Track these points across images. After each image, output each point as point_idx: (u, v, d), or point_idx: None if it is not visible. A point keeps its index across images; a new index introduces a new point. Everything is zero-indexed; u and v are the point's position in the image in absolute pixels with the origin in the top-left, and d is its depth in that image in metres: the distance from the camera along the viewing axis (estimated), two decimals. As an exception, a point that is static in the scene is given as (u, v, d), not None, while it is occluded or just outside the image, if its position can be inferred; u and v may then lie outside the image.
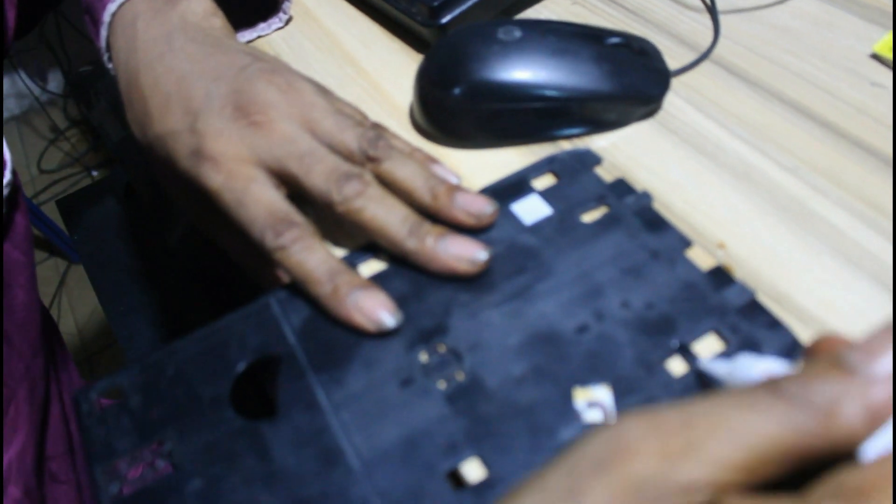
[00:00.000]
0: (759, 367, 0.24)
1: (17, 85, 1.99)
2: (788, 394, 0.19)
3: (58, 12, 1.77)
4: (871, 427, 0.18)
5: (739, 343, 0.28)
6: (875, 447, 0.18)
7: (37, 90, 1.98)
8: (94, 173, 1.90)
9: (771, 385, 0.19)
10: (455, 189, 0.32)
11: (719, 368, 0.26)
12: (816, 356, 0.22)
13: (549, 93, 0.36)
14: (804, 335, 0.29)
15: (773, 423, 0.18)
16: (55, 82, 2.01)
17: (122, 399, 0.30)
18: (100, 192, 0.81)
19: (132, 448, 0.29)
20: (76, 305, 1.62)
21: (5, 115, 2.06)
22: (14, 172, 0.45)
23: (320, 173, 0.32)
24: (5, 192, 0.43)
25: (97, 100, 0.69)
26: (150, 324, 0.69)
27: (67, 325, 1.58)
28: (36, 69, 1.95)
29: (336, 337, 0.30)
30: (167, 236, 0.70)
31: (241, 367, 0.30)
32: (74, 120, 2.02)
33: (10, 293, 0.46)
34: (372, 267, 0.32)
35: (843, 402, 0.18)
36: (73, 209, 0.79)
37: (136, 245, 0.75)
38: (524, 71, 0.36)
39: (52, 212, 1.64)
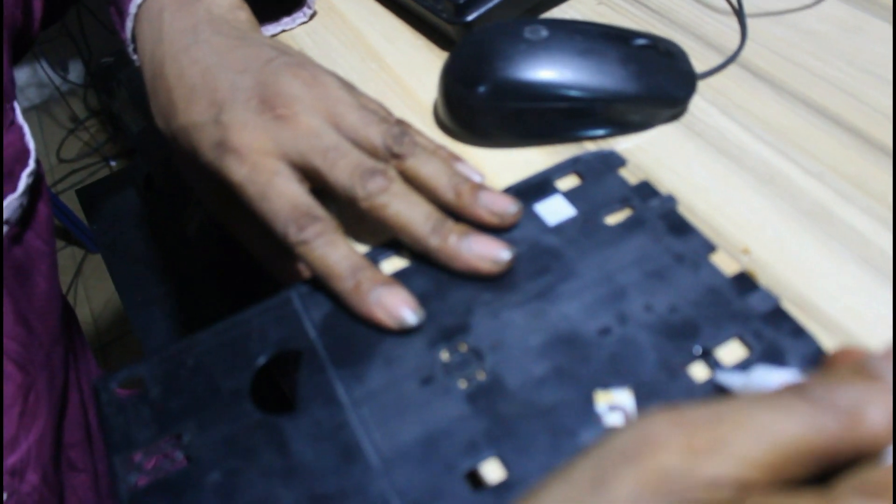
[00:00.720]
0: (776, 378, 0.24)
1: (38, 74, 2.01)
2: (814, 396, 0.19)
3: (79, 3, 1.79)
4: (893, 432, 0.18)
5: (763, 350, 0.28)
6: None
7: (57, 80, 1.99)
8: (113, 163, 1.91)
9: (797, 388, 0.20)
10: (479, 187, 0.32)
11: (735, 380, 0.26)
12: (838, 365, 0.22)
13: (574, 93, 0.36)
14: (828, 343, 0.28)
15: (798, 424, 0.18)
16: (76, 72, 2.02)
17: (142, 390, 0.30)
18: (119, 183, 0.81)
19: (151, 439, 0.29)
20: (92, 295, 1.63)
21: (26, 104, 2.07)
22: (38, 162, 0.45)
23: (344, 168, 0.32)
24: (28, 181, 0.44)
25: (119, 90, 0.70)
26: (167, 315, 0.69)
27: (83, 314, 1.59)
28: (57, 59, 1.96)
29: (357, 333, 0.30)
30: (185, 227, 0.70)
31: (261, 360, 0.30)
32: (94, 110, 2.03)
33: (31, 281, 0.47)
34: (394, 264, 0.32)
35: (868, 406, 0.18)
36: (93, 199, 0.80)
37: (155, 236, 0.76)
38: (550, 70, 0.36)
39: (70, 201, 1.65)
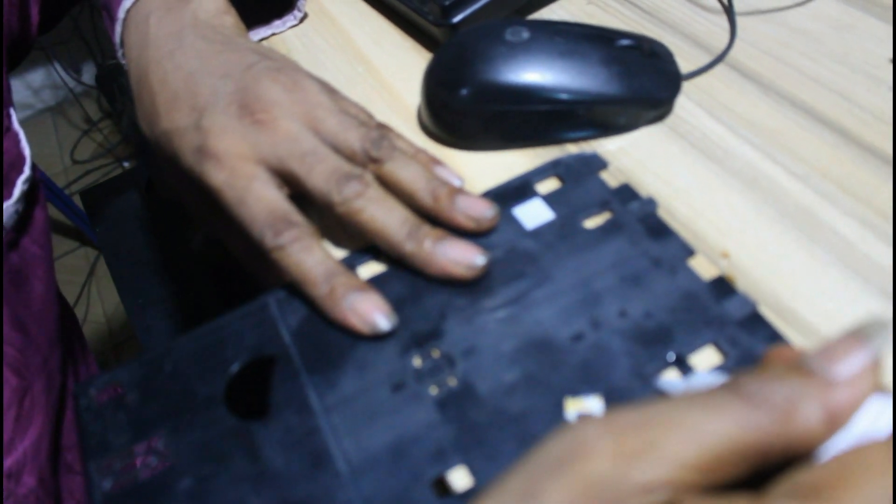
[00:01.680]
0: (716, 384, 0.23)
1: (52, 76, 2.03)
2: (747, 392, 0.19)
3: (92, 6, 1.80)
4: (830, 429, 0.18)
5: (738, 357, 0.27)
6: (832, 450, 0.18)
7: (71, 82, 2.01)
8: (126, 164, 1.92)
9: (730, 385, 0.19)
10: (456, 192, 0.32)
11: (676, 387, 0.25)
12: (773, 363, 0.21)
13: (556, 95, 0.35)
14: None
15: (730, 422, 0.18)
16: (89, 74, 2.03)
17: (121, 395, 0.30)
18: (123, 186, 0.82)
19: (127, 444, 0.29)
20: (105, 295, 1.64)
21: (41, 106, 2.09)
22: (33, 168, 0.46)
23: (321, 173, 0.32)
24: (24, 187, 0.44)
25: (121, 93, 0.70)
26: (168, 316, 0.69)
27: (96, 314, 1.60)
28: (70, 61, 1.98)
29: (331, 339, 0.30)
30: (190, 241, 0.70)
31: (234, 367, 0.30)
32: (107, 111, 2.05)
33: (27, 286, 0.47)
34: (372, 269, 0.32)
35: (802, 403, 0.18)
36: (97, 202, 0.80)
37: (157, 239, 0.76)
38: (531, 73, 0.35)
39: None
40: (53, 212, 1.74)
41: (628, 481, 0.18)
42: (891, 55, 0.40)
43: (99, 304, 1.63)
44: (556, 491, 0.18)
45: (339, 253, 0.34)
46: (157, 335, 0.70)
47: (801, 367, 0.19)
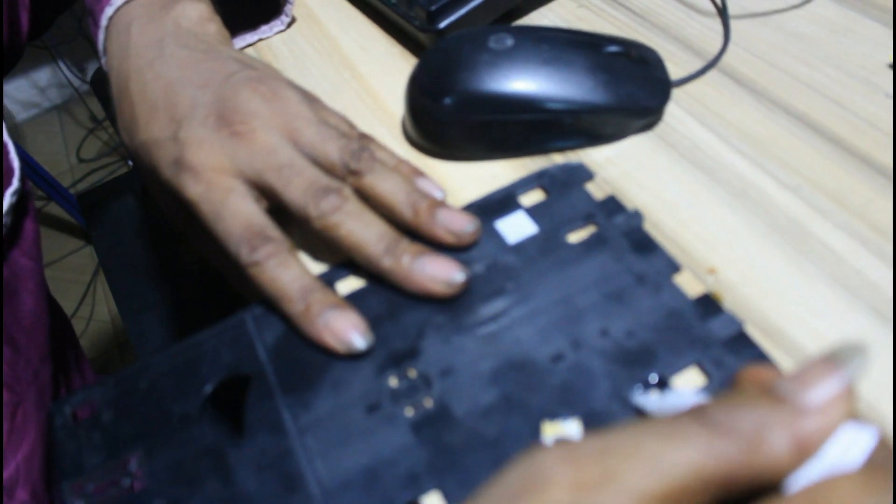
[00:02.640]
0: (692, 400, 0.23)
1: (58, 75, 2.03)
2: (713, 421, 0.18)
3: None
4: (799, 458, 0.17)
5: (722, 378, 0.27)
6: (801, 480, 0.18)
7: (76, 81, 2.01)
8: (131, 163, 1.93)
9: (696, 412, 0.19)
10: (437, 205, 0.31)
11: (650, 402, 0.25)
12: (745, 385, 0.21)
13: (541, 104, 0.35)
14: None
15: (694, 451, 0.17)
16: (93, 73, 2.04)
17: (96, 413, 0.30)
18: (119, 189, 0.81)
19: (100, 464, 0.28)
20: (110, 294, 1.64)
21: (47, 104, 2.10)
22: (22, 179, 0.45)
23: (298, 186, 0.31)
24: (12, 200, 0.43)
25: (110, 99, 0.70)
26: (162, 323, 0.69)
27: (101, 314, 1.61)
28: (75, 60, 1.98)
29: (307, 357, 0.30)
30: (184, 254, 0.70)
31: (208, 388, 0.30)
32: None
33: (17, 299, 0.47)
34: (350, 284, 0.32)
35: (770, 431, 0.18)
36: (93, 205, 0.80)
37: (152, 243, 0.76)
38: (515, 81, 0.34)
39: (88, 201, 1.67)
40: (58, 211, 1.75)
41: None
42: (889, 60, 0.38)
43: (104, 303, 1.63)
44: None
45: (318, 268, 0.33)
46: (152, 341, 0.70)
47: (772, 392, 0.18)
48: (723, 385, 0.26)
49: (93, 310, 1.62)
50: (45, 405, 0.50)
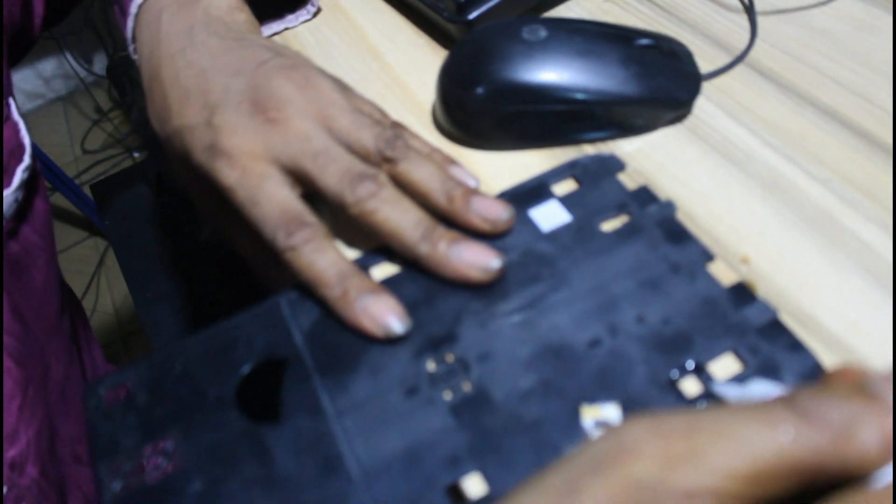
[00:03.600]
0: (774, 393, 0.23)
1: (64, 66, 2.03)
2: (805, 409, 0.18)
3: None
4: (887, 455, 0.18)
5: (758, 365, 0.27)
6: (888, 475, 0.18)
7: (82, 72, 2.01)
8: (136, 154, 1.92)
9: (786, 400, 0.19)
10: (472, 193, 0.32)
11: (732, 392, 0.25)
12: (835, 382, 0.21)
13: (573, 95, 0.35)
14: (827, 359, 0.27)
15: (783, 436, 0.18)
16: (100, 64, 2.04)
17: (130, 395, 0.30)
18: (133, 178, 0.81)
19: (137, 445, 0.28)
20: (114, 285, 1.64)
21: (52, 95, 2.10)
22: (34, 157, 0.45)
23: (334, 173, 0.32)
24: (24, 175, 0.44)
25: (131, 86, 0.70)
26: (177, 311, 0.69)
27: (105, 305, 1.61)
28: (81, 51, 1.98)
29: (344, 341, 0.30)
30: (197, 233, 0.70)
31: (246, 368, 0.30)
32: (118, 101, 2.05)
33: (27, 276, 0.47)
34: (385, 270, 0.32)
35: (861, 425, 0.18)
36: (106, 194, 0.80)
37: (166, 233, 0.76)
38: (548, 72, 0.35)
39: (93, 192, 1.67)
40: (63, 201, 1.75)
41: (670, 486, 0.17)
42: (914, 57, 0.39)
43: (108, 294, 1.63)
44: (597, 489, 0.18)
45: (353, 253, 0.33)
46: (165, 330, 0.70)
47: (864, 388, 0.19)
48: (759, 371, 0.27)
49: (97, 301, 1.62)
50: (54, 380, 0.50)
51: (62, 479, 0.51)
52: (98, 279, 1.66)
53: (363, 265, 0.32)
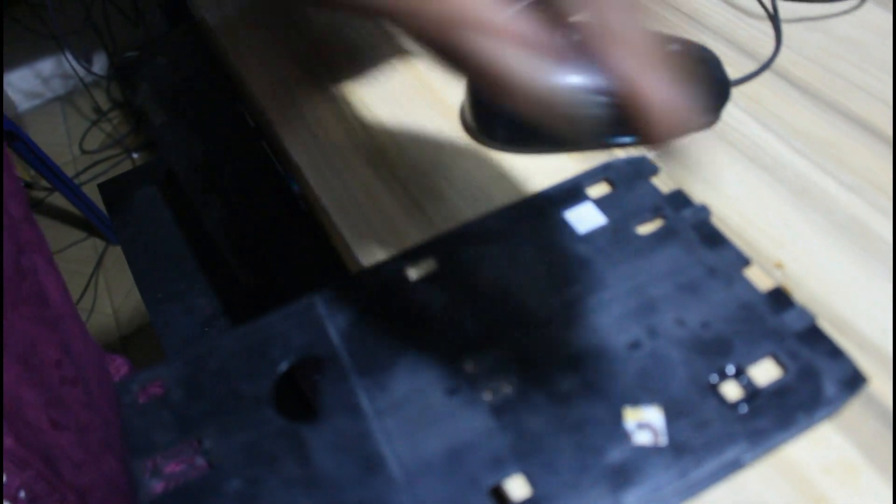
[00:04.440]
0: None
1: (63, 66, 2.02)
2: None
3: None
4: None
5: (798, 370, 0.27)
6: None
7: (81, 71, 2.00)
8: (135, 155, 1.92)
9: None
10: None
11: None
12: None
13: (604, 99, 0.35)
14: (866, 366, 0.27)
15: None
16: (99, 64, 2.03)
17: (164, 392, 0.30)
18: (141, 178, 0.81)
19: (172, 443, 0.28)
20: (113, 286, 1.63)
21: (50, 95, 2.09)
22: None
23: None
24: None
25: (141, 84, 0.70)
26: (187, 312, 0.69)
27: (103, 306, 1.60)
28: (81, 51, 1.97)
29: (382, 340, 0.30)
30: (204, 219, 0.70)
31: (283, 366, 0.30)
32: (117, 102, 2.04)
33: None
34: (422, 269, 0.32)
35: None
36: (115, 193, 0.80)
37: (175, 233, 0.76)
38: (580, 75, 0.35)
39: (91, 192, 1.66)
40: (61, 201, 1.74)
41: None
42: (939, 66, 0.39)
43: (106, 295, 1.62)
44: None
45: (384, 253, 0.33)
46: (175, 330, 0.70)
47: None
48: (800, 377, 0.27)
49: (95, 302, 1.61)
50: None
51: (45, 446, 0.50)
52: (96, 280, 1.65)
53: (398, 266, 0.32)
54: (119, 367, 0.70)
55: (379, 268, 0.32)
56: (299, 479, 0.27)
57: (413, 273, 0.32)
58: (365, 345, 0.30)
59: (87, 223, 1.74)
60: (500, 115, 0.36)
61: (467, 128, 0.39)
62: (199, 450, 0.28)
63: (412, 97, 0.42)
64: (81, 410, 0.56)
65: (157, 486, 0.27)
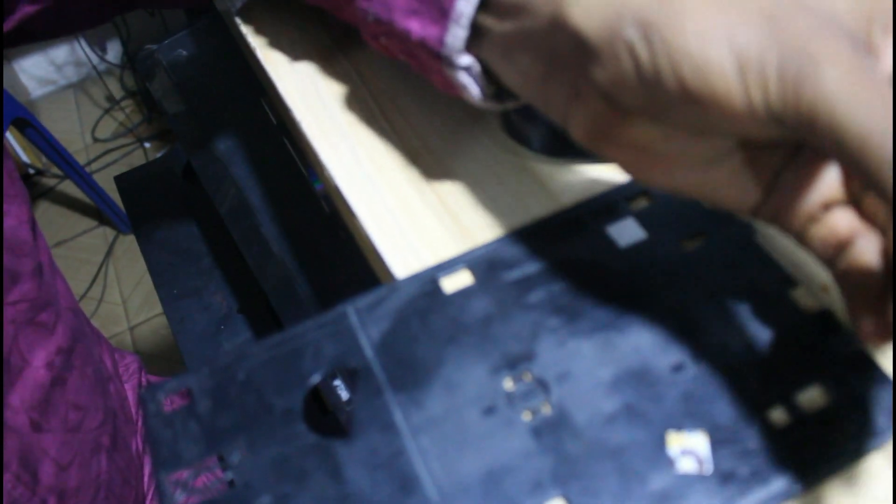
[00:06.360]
0: None
1: (77, 53, 2.02)
2: None
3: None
4: None
5: (846, 397, 0.26)
6: None
7: (95, 59, 2.00)
8: (147, 145, 1.91)
9: None
10: None
11: None
12: None
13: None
14: (917, 394, 0.27)
15: None
16: (114, 52, 2.02)
17: (191, 403, 0.29)
18: (158, 171, 0.80)
19: (199, 456, 0.28)
20: (122, 276, 1.63)
21: (63, 82, 2.09)
22: None
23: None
24: None
25: (158, 73, 0.69)
26: (203, 309, 0.68)
27: (112, 296, 1.60)
28: (96, 39, 1.97)
29: (416, 354, 0.29)
30: (218, 206, 0.69)
31: (315, 378, 0.29)
32: (130, 90, 2.04)
33: None
34: (457, 281, 0.31)
35: None
36: (131, 186, 0.79)
37: (193, 227, 0.75)
38: (622, 85, 0.34)
39: (103, 181, 1.66)
40: (73, 189, 1.74)
41: None
42: None
43: (116, 285, 1.62)
44: None
45: (419, 264, 0.33)
46: (190, 326, 0.69)
47: None
48: (848, 405, 0.26)
49: (104, 291, 1.61)
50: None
51: (25, 448, 0.50)
52: (106, 269, 1.65)
53: (433, 275, 0.31)
54: (129, 364, 0.69)
55: (413, 279, 0.31)
56: (331, 497, 0.26)
57: (448, 285, 0.31)
58: (399, 359, 0.29)
59: (97, 212, 1.74)
60: (536, 123, 0.36)
61: (503, 135, 0.38)
62: (228, 464, 0.28)
63: (447, 102, 0.41)
64: (70, 411, 0.56)
65: (184, 500, 0.27)
